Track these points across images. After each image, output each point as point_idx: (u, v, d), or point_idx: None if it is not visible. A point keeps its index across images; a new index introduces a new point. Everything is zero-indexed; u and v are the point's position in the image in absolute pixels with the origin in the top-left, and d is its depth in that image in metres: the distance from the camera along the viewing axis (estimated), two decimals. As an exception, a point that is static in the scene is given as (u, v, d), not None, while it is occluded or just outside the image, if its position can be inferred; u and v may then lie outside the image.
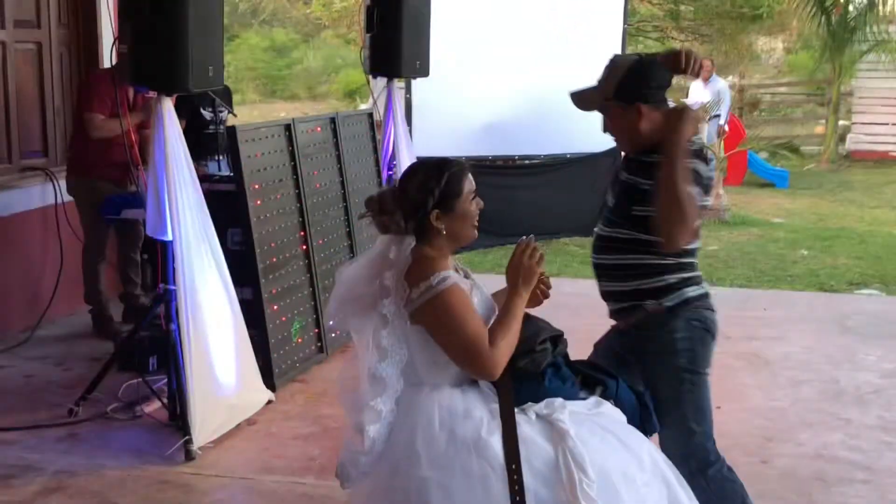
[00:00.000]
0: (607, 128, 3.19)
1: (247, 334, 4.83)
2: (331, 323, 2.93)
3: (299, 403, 5.04)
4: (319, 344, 5.67)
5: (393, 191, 2.77)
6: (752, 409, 5.07)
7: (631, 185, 3.10)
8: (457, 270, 2.81)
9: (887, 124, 17.23)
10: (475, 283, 2.85)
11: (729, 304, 7.19)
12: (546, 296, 2.92)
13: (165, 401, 4.69)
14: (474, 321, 2.65)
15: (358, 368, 2.79)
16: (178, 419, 4.52)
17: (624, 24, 9.85)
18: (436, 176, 2.73)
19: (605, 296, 3.25)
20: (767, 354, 5.98)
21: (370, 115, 6.75)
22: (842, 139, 17.53)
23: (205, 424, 4.43)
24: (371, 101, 7.99)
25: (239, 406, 4.72)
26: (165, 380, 4.71)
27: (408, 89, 8.49)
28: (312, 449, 4.50)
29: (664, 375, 3.10)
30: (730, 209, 10.95)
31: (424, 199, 2.71)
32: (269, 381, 5.04)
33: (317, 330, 5.66)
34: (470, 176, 2.80)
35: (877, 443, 4.60)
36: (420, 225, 2.72)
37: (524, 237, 2.83)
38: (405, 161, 6.96)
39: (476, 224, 2.81)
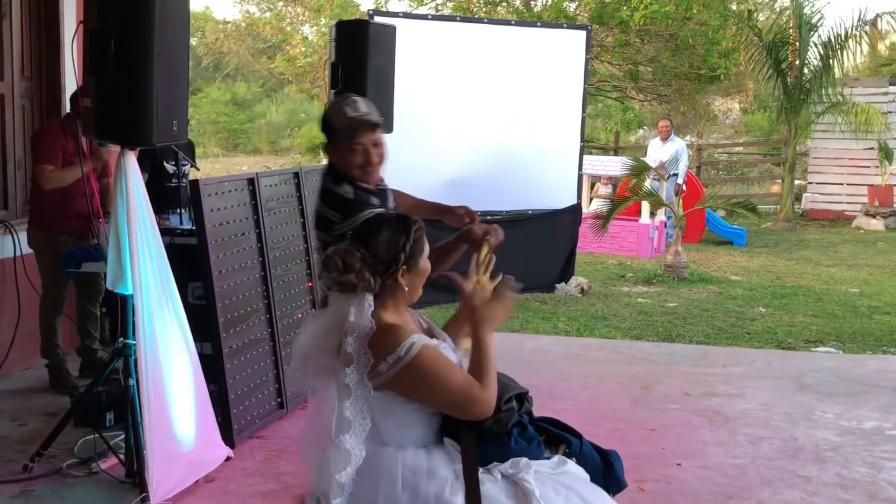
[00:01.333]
0: None
1: (206, 389, 4.78)
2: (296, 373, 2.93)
3: (258, 460, 4.98)
4: (279, 399, 5.62)
5: (351, 249, 2.70)
6: (711, 467, 5.08)
7: None
8: (420, 325, 2.82)
9: (842, 184, 17.59)
10: (438, 333, 2.86)
11: (688, 361, 7.29)
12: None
13: (122, 457, 4.61)
14: (456, 372, 2.67)
15: (319, 428, 2.77)
16: (135, 476, 4.45)
17: (584, 83, 10.01)
18: (404, 232, 2.74)
19: None
20: (726, 411, 6.01)
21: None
22: (797, 198, 17.85)
23: (163, 481, 4.36)
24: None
25: (197, 462, 4.65)
26: (122, 435, 4.63)
27: (371, 145, 8.53)
28: (273, 507, 4.44)
29: None
30: (688, 266, 11.07)
31: (396, 256, 2.71)
32: (228, 436, 4.97)
33: (277, 385, 5.61)
34: (424, 236, 2.83)
35: (836, 500, 4.63)
36: (383, 282, 2.72)
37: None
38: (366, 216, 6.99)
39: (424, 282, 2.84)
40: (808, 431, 5.66)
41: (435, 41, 9.24)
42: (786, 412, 6.01)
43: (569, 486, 2.75)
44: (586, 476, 2.85)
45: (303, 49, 18.59)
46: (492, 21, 9.50)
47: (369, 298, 2.69)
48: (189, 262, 5.04)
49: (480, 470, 2.68)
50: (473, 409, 2.66)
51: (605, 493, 2.83)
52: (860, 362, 7.30)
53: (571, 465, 2.84)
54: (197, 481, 4.59)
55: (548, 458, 2.83)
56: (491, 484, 2.68)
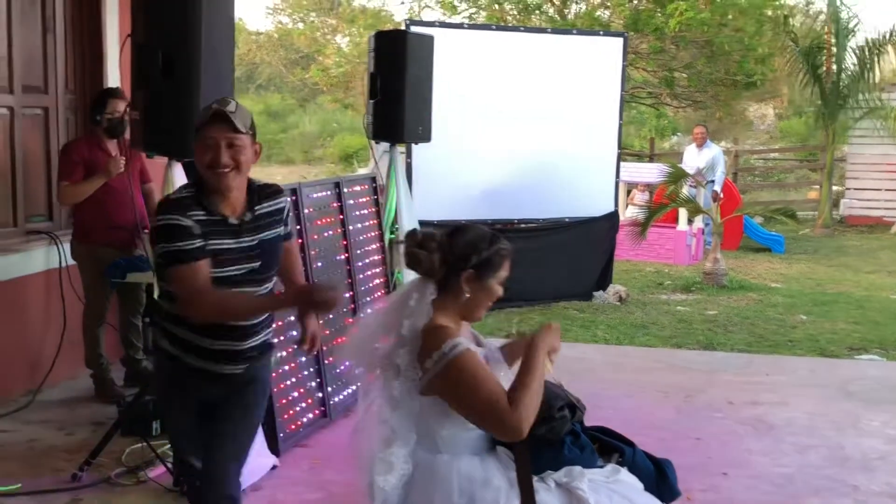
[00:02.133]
0: None
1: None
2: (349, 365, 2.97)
3: (304, 469, 5.00)
4: (323, 408, 5.64)
5: (437, 235, 2.77)
6: (759, 476, 5.04)
7: None
8: (472, 337, 2.83)
9: (880, 190, 17.39)
10: (488, 349, 2.85)
11: (730, 369, 7.23)
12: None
13: (170, 465, 4.65)
14: (489, 382, 2.63)
15: (367, 426, 2.79)
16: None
17: (621, 90, 9.99)
18: (488, 242, 2.77)
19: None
20: (771, 420, 5.96)
21: (373, 179, 6.80)
22: (835, 204, 17.67)
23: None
24: (371, 165, 8.06)
25: (244, 471, 4.66)
26: (169, 444, 4.67)
27: (408, 154, 8.57)
28: (318, 516, 4.45)
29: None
30: (727, 274, 10.98)
31: (469, 255, 2.73)
32: (273, 445, 5.00)
33: (321, 394, 5.63)
34: (508, 264, 2.81)
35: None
36: (449, 277, 2.73)
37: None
38: (407, 225, 7.00)
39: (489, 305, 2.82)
40: (855, 440, 5.60)
41: (471, 50, 9.26)
42: (832, 420, 5.95)
43: (623, 495, 2.74)
44: (640, 485, 2.84)
45: (336, 59, 18.68)
46: (528, 29, 9.50)
47: (431, 286, 2.72)
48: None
49: (535, 478, 2.68)
50: (499, 426, 2.59)
51: (658, 502, 2.82)
52: (906, 370, 7.22)
53: (625, 474, 2.84)
54: (244, 490, 4.61)
55: (601, 467, 2.82)
56: (545, 492, 2.68)
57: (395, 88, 6.59)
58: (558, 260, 9.40)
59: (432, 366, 2.64)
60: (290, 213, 3.41)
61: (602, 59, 9.84)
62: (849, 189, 18.05)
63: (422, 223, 7.06)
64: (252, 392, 3.42)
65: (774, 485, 4.92)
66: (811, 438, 5.64)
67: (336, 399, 5.69)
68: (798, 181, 21.48)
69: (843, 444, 5.51)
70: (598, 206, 9.98)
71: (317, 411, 5.60)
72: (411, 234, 2.79)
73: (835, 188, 17.84)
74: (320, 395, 5.63)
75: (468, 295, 2.74)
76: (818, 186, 17.92)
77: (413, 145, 8.13)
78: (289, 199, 3.41)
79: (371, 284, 6.42)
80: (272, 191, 3.32)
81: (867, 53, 16.24)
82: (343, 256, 6.13)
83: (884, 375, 7.06)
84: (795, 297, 10.36)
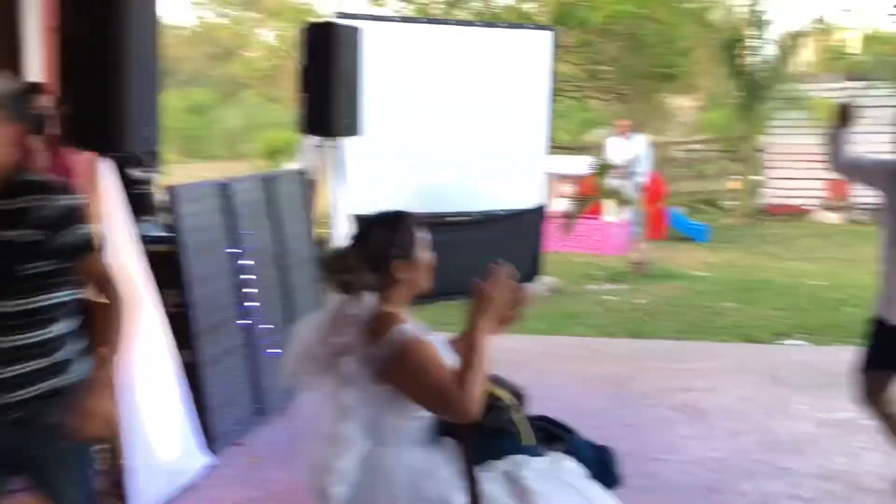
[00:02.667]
0: None
1: (185, 398, 4.73)
2: (285, 380, 2.88)
3: (241, 467, 4.93)
4: (260, 406, 5.57)
5: (347, 249, 2.77)
6: (691, 461, 5.12)
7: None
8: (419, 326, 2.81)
9: (799, 179, 17.81)
10: (435, 339, 2.84)
11: (661, 357, 7.33)
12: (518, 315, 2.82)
13: (103, 467, 4.54)
14: (440, 367, 2.63)
15: (314, 430, 2.76)
16: (116, 488, 4.38)
17: (550, 84, 10.05)
18: (393, 226, 2.77)
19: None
20: (703, 406, 6.06)
21: (304, 174, 6.73)
22: (755, 194, 18.05)
23: (144, 493, 4.31)
24: (301, 160, 7.98)
25: (179, 471, 4.60)
26: (101, 447, 4.56)
27: (339, 148, 8.49)
28: (258, 514, 4.41)
29: None
30: (654, 263, 11.15)
31: (387, 250, 2.72)
32: (208, 444, 4.92)
33: (256, 392, 5.57)
34: (421, 225, 2.83)
35: (818, 491, 4.68)
36: (383, 278, 2.72)
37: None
38: (340, 220, 6.96)
39: (430, 273, 2.82)
40: (786, 423, 5.72)
41: (400, 43, 9.22)
42: (761, 405, 6.07)
43: (567, 482, 2.76)
44: (583, 472, 2.85)
45: (262, 53, 18.47)
46: (457, 22, 9.50)
47: (370, 296, 2.71)
48: (163, 269, 4.97)
49: (479, 468, 2.68)
50: (451, 409, 2.59)
51: (602, 489, 2.84)
52: (830, 354, 7.36)
53: (568, 462, 2.85)
54: (179, 490, 4.55)
55: (545, 456, 2.83)
56: (490, 482, 2.67)
57: (326, 82, 6.54)
58: (489, 252, 9.33)
59: (382, 352, 2.62)
60: (71, 221, 2.66)
61: (531, 52, 9.88)
62: (768, 178, 18.44)
63: (354, 218, 7.02)
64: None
65: (708, 469, 5.01)
66: (742, 423, 5.75)
67: (273, 396, 5.63)
68: (719, 172, 21.83)
69: (774, 428, 5.63)
70: (528, 198, 10.03)
71: (252, 409, 5.53)
72: (327, 263, 2.77)
73: (755, 178, 18.22)
74: (256, 392, 5.56)
75: (406, 281, 2.75)
76: (739, 176, 18.27)
77: (344, 139, 8.09)
78: (67, 202, 2.66)
79: (305, 280, 6.36)
80: (37, 186, 2.65)
81: (784, 46, 16.61)
82: (275, 253, 6.06)
83: (810, 360, 7.24)
84: (721, 284, 10.56)
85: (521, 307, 2.78)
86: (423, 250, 2.80)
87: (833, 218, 16.28)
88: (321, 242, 6.84)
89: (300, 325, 2.85)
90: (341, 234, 6.78)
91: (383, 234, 2.76)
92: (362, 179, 8.69)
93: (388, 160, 8.97)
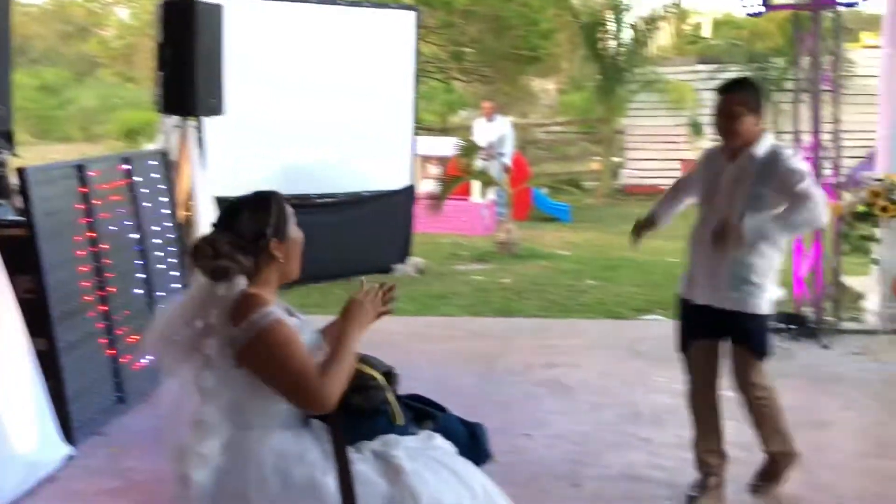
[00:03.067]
0: None
1: (42, 387, 4.55)
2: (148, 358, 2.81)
3: (101, 457, 4.78)
4: (120, 394, 5.41)
5: (217, 235, 2.70)
6: (559, 435, 5.23)
7: None
8: (287, 311, 2.77)
9: (657, 160, 18.36)
10: (302, 321, 2.81)
11: (527, 334, 7.46)
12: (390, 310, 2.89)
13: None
14: (300, 354, 2.60)
15: (177, 415, 2.70)
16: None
17: (415, 65, 10.06)
18: (264, 206, 2.74)
19: None
20: (568, 381, 6.20)
21: (164, 155, 6.55)
22: (615, 175, 18.52)
23: (1, 486, 4.13)
24: (160, 140, 7.76)
25: (37, 463, 4.42)
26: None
27: (200, 128, 8.29)
28: (119, 504, 4.28)
29: None
30: (519, 243, 11.32)
31: (262, 229, 2.69)
32: (67, 434, 4.75)
33: (116, 380, 5.40)
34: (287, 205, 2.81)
35: (678, 460, 4.83)
36: (257, 259, 2.68)
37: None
38: (202, 201, 6.81)
39: (300, 256, 2.81)
40: (646, 396, 5.90)
41: (263, 21, 9.07)
42: (623, 379, 6.25)
43: (438, 460, 2.76)
44: (454, 449, 2.87)
45: (117, 31, 17.87)
46: (322, 1, 9.37)
47: (242, 279, 2.67)
48: (16, 254, 4.76)
49: (350, 449, 2.66)
50: (306, 398, 2.58)
51: (473, 466, 2.86)
52: (687, 328, 7.63)
53: (439, 440, 2.86)
54: (38, 482, 4.38)
55: (416, 434, 2.83)
56: (361, 463, 2.66)
57: (185, 60, 6.38)
58: (357, 234, 9.39)
59: (243, 333, 2.58)
60: None
61: (395, 32, 9.87)
62: (627, 160, 18.95)
63: (217, 200, 6.87)
64: None
65: (573, 443, 5.13)
66: (605, 397, 5.90)
67: (133, 385, 5.47)
68: (580, 153, 22.33)
69: (635, 401, 5.80)
70: (395, 179, 10.04)
71: (112, 397, 5.37)
72: (198, 249, 2.68)
73: (614, 159, 18.69)
74: (116, 380, 5.39)
75: (282, 260, 2.72)
76: (599, 158, 18.72)
77: (205, 119, 7.90)
78: None
79: (166, 264, 6.20)
80: None
81: (642, 30, 17.06)
82: (134, 236, 5.88)
83: (667, 334, 7.30)
84: (583, 263, 10.80)
85: (392, 302, 2.84)
86: (294, 231, 2.77)
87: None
88: (184, 225, 6.67)
89: (164, 307, 2.78)
90: (204, 216, 6.63)
91: (253, 215, 2.72)
92: (225, 160, 8.53)
93: (251, 141, 8.84)
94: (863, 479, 4.80)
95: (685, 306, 4.45)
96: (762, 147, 4.20)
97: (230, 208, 2.78)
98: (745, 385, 4.34)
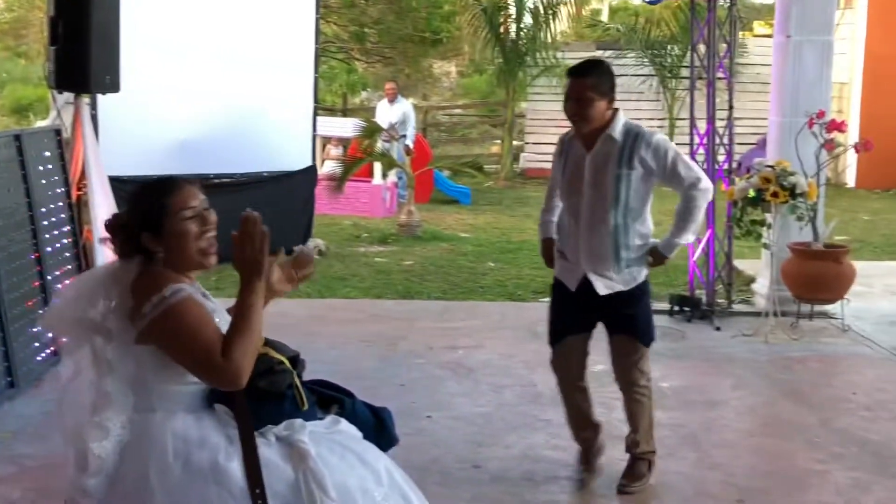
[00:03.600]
0: None
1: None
2: (49, 334, 2.73)
3: (-9, 444, 4.65)
4: (10, 378, 5.24)
5: (122, 214, 2.68)
6: (460, 417, 5.28)
7: None
8: (203, 295, 2.73)
9: (556, 144, 18.53)
10: (216, 305, 2.76)
11: (429, 316, 7.49)
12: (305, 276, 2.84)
13: None
14: (208, 331, 2.56)
15: (74, 395, 2.63)
16: None
17: (316, 44, 9.96)
18: (142, 196, 2.68)
19: None
20: (469, 363, 6.25)
21: (57, 132, 6.35)
22: (515, 158, 18.66)
23: None
24: (52, 117, 7.52)
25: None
26: None
27: (94, 105, 8.06)
28: (12, 491, 4.16)
29: None
30: (421, 225, 11.34)
31: (135, 220, 2.65)
32: (-46, 422, 4.60)
33: (6, 364, 5.23)
34: (188, 193, 2.69)
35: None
36: (159, 242, 2.64)
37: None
38: (96, 181, 6.62)
39: (204, 246, 2.70)
40: (546, 377, 5.92)
41: (161, -3, 8.84)
42: (523, 360, 6.32)
43: (343, 444, 2.76)
44: (359, 434, 2.87)
45: (4, 4, 17.22)
46: (220, -23, 9.21)
47: (144, 258, 2.63)
48: None
49: (256, 433, 2.64)
50: (214, 375, 2.54)
51: (378, 450, 2.86)
52: (585, 310, 7.75)
53: (345, 424, 2.85)
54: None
55: (321, 419, 2.83)
56: (266, 447, 2.63)
57: (79, 34, 6.16)
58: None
59: (151, 310, 2.53)
60: None
61: (295, 11, 9.76)
62: (528, 143, 19.11)
63: (112, 179, 6.70)
64: None
65: (475, 424, 5.18)
66: (506, 378, 5.97)
67: (24, 368, 5.31)
68: (481, 136, 22.44)
69: (535, 382, 5.88)
70: (296, 160, 9.94)
71: (3, 382, 5.20)
72: (106, 225, 2.66)
73: (515, 143, 18.83)
74: (6, 364, 5.23)
75: (162, 253, 2.64)
76: (500, 141, 18.84)
77: (99, 96, 7.69)
78: None
79: (59, 245, 6.03)
80: None
81: (542, 14, 17.19)
82: (25, 216, 5.70)
83: None
84: (484, 245, 10.88)
85: (306, 268, 2.77)
86: (180, 221, 2.65)
87: (586, 181, 17.09)
88: (77, 205, 6.49)
89: (66, 285, 2.71)
90: (99, 196, 6.45)
91: (134, 204, 2.67)
92: (120, 139, 8.31)
93: (147, 119, 8.62)
94: (753, 456, 4.97)
95: (560, 291, 4.41)
96: (617, 128, 4.15)
97: (139, 189, 2.71)
98: (629, 374, 4.39)
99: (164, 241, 2.64)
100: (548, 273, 9.28)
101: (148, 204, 2.65)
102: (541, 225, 4.62)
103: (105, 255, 2.75)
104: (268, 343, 2.75)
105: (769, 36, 13.13)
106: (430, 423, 5.16)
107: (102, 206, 6.17)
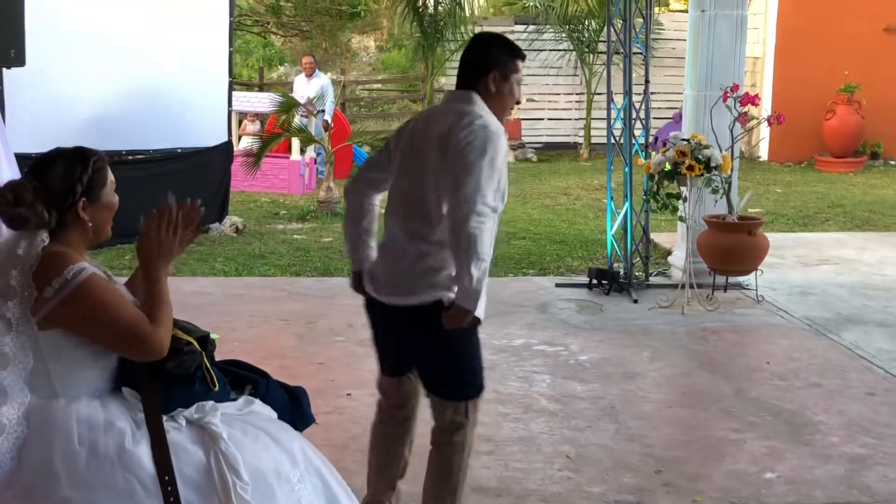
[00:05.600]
0: None
1: None
2: None
3: None
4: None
5: (24, 182, 2.54)
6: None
7: None
8: (105, 275, 2.64)
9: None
10: (112, 279, 2.68)
11: (348, 294, 7.34)
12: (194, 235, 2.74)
13: None
14: (127, 305, 2.53)
15: None
16: None
17: (230, 17, 9.76)
18: (81, 164, 2.58)
19: None
20: (389, 340, 6.20)
21: (-42, 108, 6.11)
22: (435, 132, 18.61)
23: None
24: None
25: None
26: None
27: (-1, 79, 7.78)
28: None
29: None
30: (340, 202, 11.23)
31: (71, 187, 2.55)
32: None
33: None
34: (108, 167, 2.67)
35: (495, 415, 4.95)
36: (62, 217, 2.54)
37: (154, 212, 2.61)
38: (2, 157, 6.39)
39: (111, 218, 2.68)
40: (466, 352, 5.97)
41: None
42: (446, 336, 6.30)
43: (256, 426, 2.71)
44: (274, 414, 2.82)
45: None
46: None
47: (43, 234, 2.52)
48: None
49: (164, 417, 2.57)
50: (144, 346, 2.50)
51: (293, 430, 2.82)
52: (504, 285, 7.79)
53: (258, 405, 2.80)
54: None
55: (234, 400, 2.76)
56: (175, 431, 2.57)
57: (-21, 4, 5.94)
58: (172, 193, 9.05)
59: (53, 294, 2.45)
60: None
61: (209, -18, 9.54)
62: (447, 118, 19.07)
63: (19, 156, 6.47)
64: None
65: (395, 401, 5.13)
66: (426, 354, 5.94)
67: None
68: (401, 111, 22.32)
69: (455, 358, 5.87)
70: (211, 136, 9.74)
71: None
72: (18, 193, 2.52)
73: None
74: None
75: (90, 223, 2.58)
76: (420, 116, 18.77)
77: (5, 70, 7.41)
78: None
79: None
80: None
81: (461, -12, 17.13)
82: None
83: (489, 291, 7.58)
84: (403, 221, 10.82)
85: (194, 227, 2.70)
86: (111, 192, 2.65)
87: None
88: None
89: None
90: (5, 172, 6.23)
91: (68, 171, 2.57)
92: (26, 114, 8.04)
93: (55, 93, 8.36)
94: (670, 427, 5.04)
95: (371, 305, 3.81)
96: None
97: (46, 156, 2.61)
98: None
99: (94, 211, 2.59)
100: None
101: (90, 171, 2.58)
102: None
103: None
104: (176, 324, 2.67)
105: (685, 11, 13.28)
106: (349, 401, 5.12)
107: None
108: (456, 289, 3.29)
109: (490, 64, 3.45)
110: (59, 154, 2.62)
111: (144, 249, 2.60)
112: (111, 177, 2.66)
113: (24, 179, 2.57)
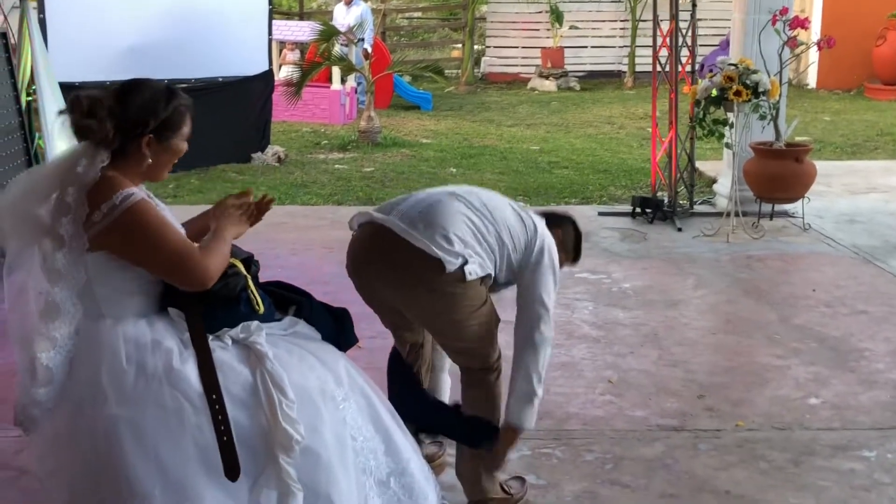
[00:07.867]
0: None
1: None
2: None
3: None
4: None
5: (102, 97, 2.51)
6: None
7: None
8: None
9: (517, 48, 18.33)
10: (165, 209, 2.69)
11: (391, 222, 7.41)
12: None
13: None
14: (173, 230, 2.54)
15: (23, 301, 2.56)
16: None
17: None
18: (165, 102, 2.56)
19: None
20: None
21: (3, 36, 6.13)
22: (477, 62, 18.42)
23: None
24: (-2, 21, 7.27)
25: None
26: None
27: (41, 9, 7.80)
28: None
29: None
30: (381, 131, 11.19)
31: (145, 119, 2.52)
32: None
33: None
34: (190, 118, 2.64)
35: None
36: (126, 144, 2.53)
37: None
38: (46, 86, 6.43)
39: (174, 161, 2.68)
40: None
41: None
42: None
43: (301, 346, 2.73)
44: (318, 335, 2.83)
45: None
46: None
47: (104, 154, 2.50)
48: None
49: (210, 337, 2.59)
50: (190, 274, 2.51)
51: (337, 351, 2.84)
52: (547, 213, 7.72)
53: (302, 325, 2.82)
54: None
55: (279, 320, 2.78)
56: (221, 350, 2.59)
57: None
58: (213, 122, 9.06)
59: (101, 218, 2.45)
60: None
61: None
62: (489, 47, 18.86)
63: (62, 85, 6.51)
64: None
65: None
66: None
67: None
68: (441, 40, 22.09)
69: (497, 285, 5.87)
70: (252, 65, 9.71)
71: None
72: (75, 101, 2.50)
73: (476, 47, 18.56)
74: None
75: (150, 160, 2.56)
76: (460, 45, 18.55)
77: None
78: None
79: (9, 152, 5.87)
80: None
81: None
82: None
83: None
84: (445, 151, 10.78)
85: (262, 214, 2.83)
86: (181, 137, 2.62)
87: (548, 85, 16.91)
88: (28, 111, 6.32)
89: (16, 180, 2.59)
90: (49, 102, 6.28)
91: (150, 103, 2.54)
92: (68, 44, 8.06)
93: (98, 22, 8.35)
94: (713, 354, 5.02)
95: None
96: None
97: (135, 82, 2.60)
98: None
99: (158, 151, 2.57)
100: (510, 178, 9.34)
101: (169, 111, 2.56)
102: None
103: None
104: (222, 244, 2.68)
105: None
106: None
107: (53, 111, 6.01)
108: None
109: None
110: (147, 85, 2.59)
111: (220, 213, 2.69)
112: (188, 127, 2.62)
113: (106, 95, 2.53)
